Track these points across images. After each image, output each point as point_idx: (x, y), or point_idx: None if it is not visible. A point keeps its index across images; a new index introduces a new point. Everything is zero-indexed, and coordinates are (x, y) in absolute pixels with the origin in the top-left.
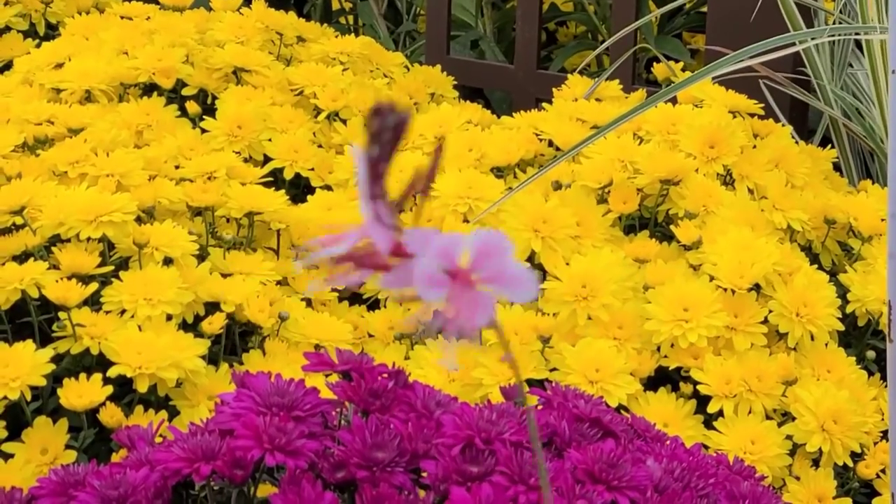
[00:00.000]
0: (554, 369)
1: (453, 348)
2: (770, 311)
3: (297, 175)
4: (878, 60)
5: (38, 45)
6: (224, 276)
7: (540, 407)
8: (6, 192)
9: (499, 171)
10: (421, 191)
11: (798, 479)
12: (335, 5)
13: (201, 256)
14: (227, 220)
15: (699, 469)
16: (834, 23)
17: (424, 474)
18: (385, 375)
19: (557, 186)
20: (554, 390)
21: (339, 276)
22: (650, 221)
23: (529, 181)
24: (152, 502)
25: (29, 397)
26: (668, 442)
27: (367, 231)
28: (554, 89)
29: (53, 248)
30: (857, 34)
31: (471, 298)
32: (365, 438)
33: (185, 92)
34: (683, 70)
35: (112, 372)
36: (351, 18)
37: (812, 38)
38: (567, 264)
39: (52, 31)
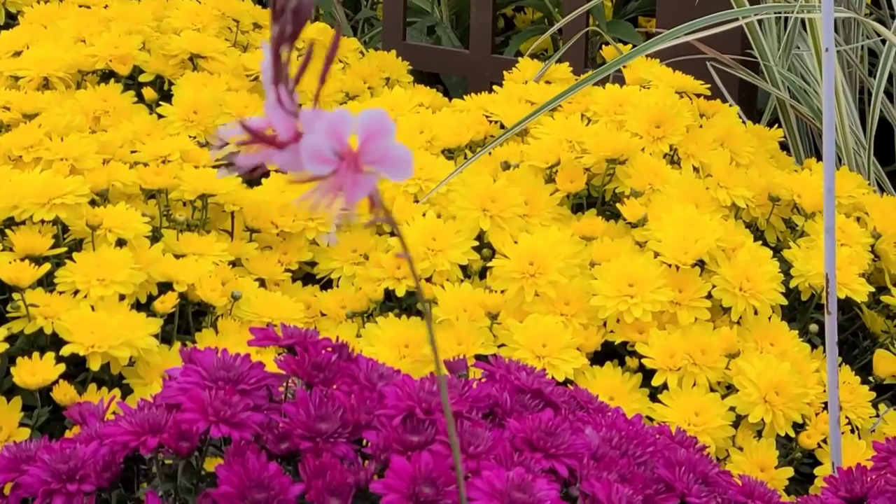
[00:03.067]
0: (502, 345)
1: (334, 224)
2: (714, 287)
3: None
4: (821, 39)
5: None
6: (177, 257)
7: (483, 379)
8: None
9: (449, 153)
10: (321, 75)
11: (741, 449)
12: None
13: (155, 238)
14: (184, 204)
15: (637, 438)
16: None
17: (367, 444)
18: (329, 349)
19: (506, 167)
20: (497, 363)
21: (243, 157)
22: (597, 200)
23: (475, 158)
24: (101, 475)
25: None
26: (609, 413)
27: (268, 116)
28: (504, 72)
29: (7, 231)
30: (799, 13)
31: (354, 179)
32: (309, 410)
33: (141, 78)
34: None
35: (65, 351)
36: None
37: (755, 14)
38: (515, 242)
39: (12, 21)
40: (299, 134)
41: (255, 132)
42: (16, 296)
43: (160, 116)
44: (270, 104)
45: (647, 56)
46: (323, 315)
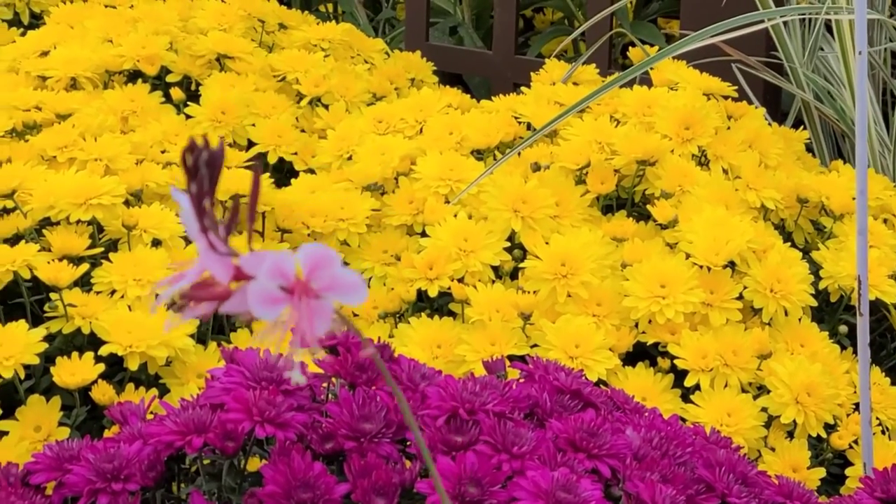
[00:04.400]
0: (535, 345)
1: (299, 358)
2: (745, 288)
3: (281, 159)
4: (848, 42)
5: (23, 34)
6: None
7: (522, 380)
8: None
9: (479, 154)
10: (247, 219)
11: (773, 450)
12: None
13: (188, 238)
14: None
15: (677, 438)
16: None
17: (410, 444)
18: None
19: (536, 168)
20: (535, 363)
21: (188, 310)
22: (627, 201)
23: (505, 159)
24: (146, 475)
25: (22, 376)
26: (646, 413)
27: (204, 263)
28: (532, 73)
29: (44, 231)
30: (826, 14)
31: (309, 308)
32: (352, 410)
33: (169, 79)
34: None
35: (104, 350)
36: (331, 7)
37: (781, 17)
38: (547, 243)
39: (36, 21)
40: (240, 273)
41: (197, 293)
42: (54, 296)
43: (188, 117)
44: (203, 251)
45: (673, 58)
46: (355, 315)
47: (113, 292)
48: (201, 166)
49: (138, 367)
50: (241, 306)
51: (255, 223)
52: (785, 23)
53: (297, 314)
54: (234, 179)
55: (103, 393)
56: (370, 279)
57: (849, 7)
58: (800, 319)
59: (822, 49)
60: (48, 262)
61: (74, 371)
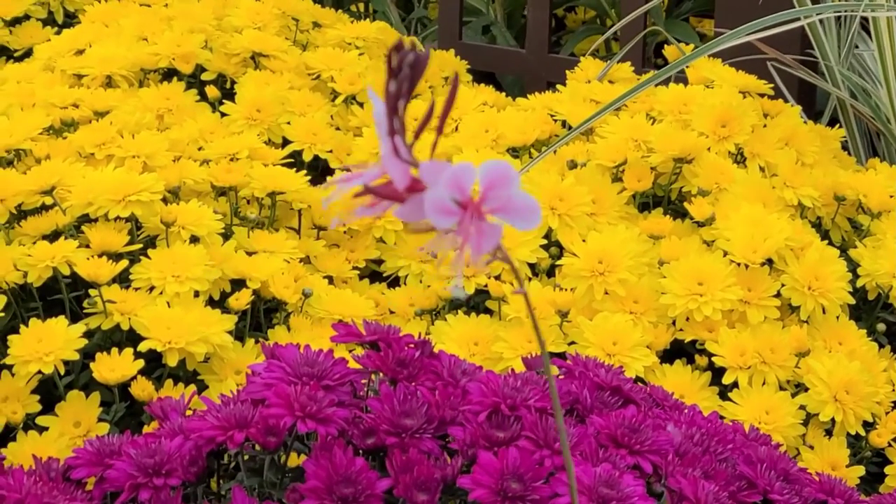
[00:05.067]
0: (572, 343)
1: (461, 274)
2: (783, 285)
3: (316, 157)
4: (885, 39)
5: (58, 33)
6: (249, 254)
7: (562, 376)
8: (36, 173)
9: (514, 152)
10: (437, 127)
11: (812, 448)
12: None
13: (226, 235)
14: (248, 201)
15: (717, 435)
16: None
17: (452, 440)
18: (411, 345)
19: (573, 165)
20: (575, 360)
21: (361, 208)
22: (664, 199)
23: (542, 157)
24: (187, 469)
25: (62, 371)
26: (686, 410)
27: (384, 166)
28: (567, 72)
29: (83, 228)
30: (863, 11)
31: (479, 227)
32: (394, 406)
33: (204, 77)
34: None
35: (143, 346)
36: (363, 6)
37: (817, 14)
38: (584, 241)
39: (70, 20)
40: (416, 182)
41: (374, 190)
42: (93, 292)
43: (223, 115)
44: (386, 154)
45: (708, 56)
46: (391, 313)
47: (151, 288)
48: (405, 66)
49: (177, 363)
50: (413, 213)
51: (292, 220)
52: (821, 21)
53: (465, 229)
54: (271, 177)
55: (142, 389)
56: (406, 277)
57: (889, 4)
58: (837, 317)
59: (857, 47)
60: (87, 259)
61: (114, 367)
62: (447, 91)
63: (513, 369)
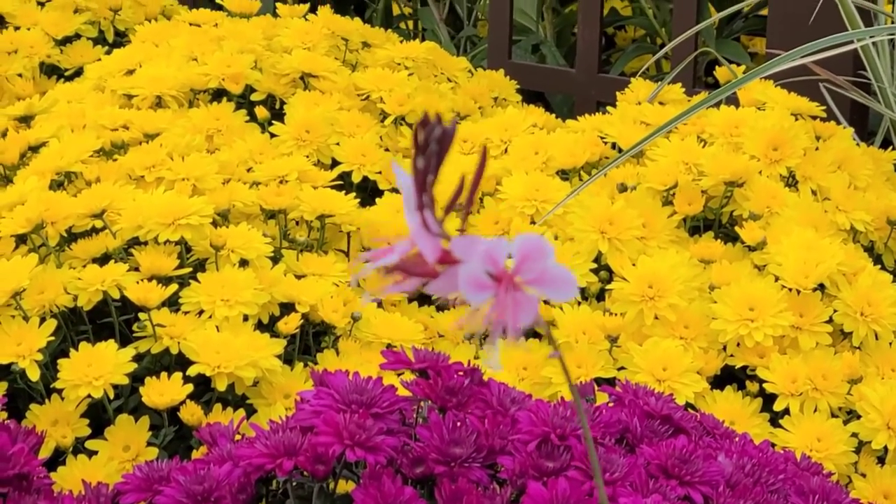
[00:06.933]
0: (622, 368)
1: (497, 348)
2: (835, 311)
3: (365, 178)
4: None
5: (108, 52)
6: (298, 277)
7: (611, 404)
8: (86, 197)
9: (564, 174)
10: (466, 201)
11: (864, 476)
12: (395, 10)
13: (275, 258)
14: (297, 223)
15: (769, 465)
16: (893, 24)
17: (501, 469)
18: (461, 373)
19: (623, 189)
20: (624, 388)
21: (392, 284)
22: (714, 223)
23: (592, 180)
24: (236, 497)
25: (112, 396)
26: (736, 439)
27: (414, 240)
28: (617, 93)
29: (132, 251)
30: None
31: (515, 300)
32: (443, 434)
33: (253, 97)
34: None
35: (192, 371)
36: (411, 24)
37: (870, 37)
38: (634, 265)
39: (120, 39)
40: (447, 254)
41: (406, 267)
42: (143, 316)
43: (272, 135)
44: (415, 229)
45: (760, 77)
46: (440, 336)
47: (201, 312)
48: (432, 142)
49: (226, 387)
50: (446, 288)
51: (341, 242)
52: (874, 42)
53: (501, 303)
54: (320, 199)
55: (192, 413)
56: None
57: None
58: (890, 343)
59: None
60: (137, 283)
61: (163, 391)
62: (497, 112)
63: (562, 397)
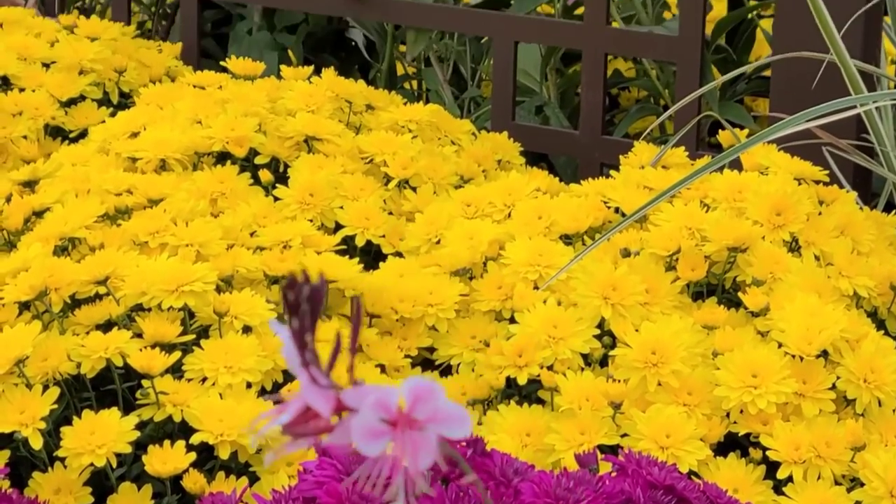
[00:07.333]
0: (625, 435)
1: (402, 491)
2: (838, 378)
3: (369, 242)
4: None
5: (112, 114)
6: None
7: (614, 474)
8: (90, 263)
9: (567, 239)
10: (349, 346)
11: None
12: (400, 70)
13: None
14: None
15: None
16: None
17: None
18: (463, 444)
19: (626, 254)
20: (627, 457)
21: (290, 442)
22: (718, 288)
23: (595, 245)
24: None
25: (115, 464)
26: None
27: (305, 398)
28: (620, 157)
29: (136, 316)
30: None
31: (413, 441)
32: None
33: (257, 160)
34: (748, 137)
35: (195, 439)
36: (415, 84)
37: (874, 102)
38: (637, 331)
39: (124, 100)
40: (342, 405)
41: (299, 427)
42: (146, 383)
43: (276, 199)
44: (305, 385)
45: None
46: None
47: (204, 379)
48: (303, 302)
49: (229, 455)
50: (343, 438)
51: (344, 307)
52: (877, 107)
53: (400, 447)
54: (323, 265)
55: (195, 482)
56: (458, 365)
57: None
58: (894, 410)
59: None
60: (140, 350)
61: (166, 459)
62: (500, 175)
63: (565, 467)
